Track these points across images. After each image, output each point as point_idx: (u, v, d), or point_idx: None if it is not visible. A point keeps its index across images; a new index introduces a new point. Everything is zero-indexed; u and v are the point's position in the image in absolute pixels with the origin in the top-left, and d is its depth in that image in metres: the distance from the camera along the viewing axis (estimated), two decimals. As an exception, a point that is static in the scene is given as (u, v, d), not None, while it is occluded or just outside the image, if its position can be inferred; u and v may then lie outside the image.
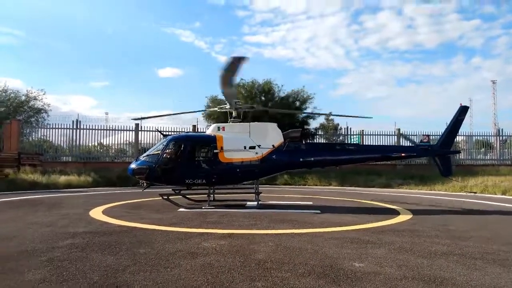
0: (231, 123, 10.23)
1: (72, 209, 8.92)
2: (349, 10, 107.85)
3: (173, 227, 6.55)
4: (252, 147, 9.57)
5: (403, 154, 10.64)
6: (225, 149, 9.48)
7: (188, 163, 9.53)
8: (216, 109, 11.78)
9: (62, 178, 15.82)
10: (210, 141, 9.66)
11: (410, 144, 10.34)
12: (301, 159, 9.95)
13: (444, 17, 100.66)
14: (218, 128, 10.00)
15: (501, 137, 24.47)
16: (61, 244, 5.13)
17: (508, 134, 25.07)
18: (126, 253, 4.64)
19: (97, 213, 8.09)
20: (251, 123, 10.10)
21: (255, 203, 9.56)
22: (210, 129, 10.27)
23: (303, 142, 11.32)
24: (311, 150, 10.52)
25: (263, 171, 9.81)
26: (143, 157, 10.03)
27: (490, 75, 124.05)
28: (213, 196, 10.20)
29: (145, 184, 9.99)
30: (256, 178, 9.95)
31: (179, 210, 8.87)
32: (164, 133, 11.08)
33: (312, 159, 10.09)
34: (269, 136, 9.82)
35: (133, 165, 9.92)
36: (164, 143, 9.76)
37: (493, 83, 58.62)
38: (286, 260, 4.40)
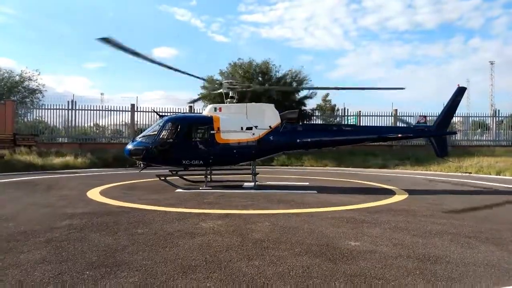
0: (228, 104, 10.18)
1: (70, 190, 8.93)
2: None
3: (170, 207, 6.59)
4: (249, 128, 9.55)
5: (399, 135, 10.67)
6: (222, 130, 9.46)
7: (185, 144, 9.52)
8: (219, 90, 11.56)
9: (58, 159, 15.79)
10: (207, 122, 9.63)
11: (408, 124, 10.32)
12: (298, 140, 9.95)
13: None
14: (215, 109, 9.95)
15: (497, 118, 24.51)
16: (60, 224, 5.16)
17: (505, 115, 25.15)
18: (124, 233, 4.68)
19: (94, 194, 8.12)
20: (248, 103, 10.04)
21: (252, 183, 9.61)
22: (207, 110, 10.22)
23: (300, 123, 11.28)
24: (308, 131, 10.51)
25: (259, 152, 9.82)
26: (140, 137, 10.00)
27: (488, 56, 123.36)
28: (210, 177, 10.23)
29: (141, 165, 9.97)
30: (253, 159, 9.97)
31: (176, 191, 8.91)
32: (161, 113, 10.98)
33: (309, 140, 10.09)
34: (266, 117, 9.78)
35: (129, 146, 9.90)
36: (161, 124, 9.71)
37: (491, 64, 58.32)
38: (283, 240, 4.45)
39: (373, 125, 22.35)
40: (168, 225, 5.16)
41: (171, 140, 9.53)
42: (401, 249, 4.11)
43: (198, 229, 4.95)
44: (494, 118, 24.43)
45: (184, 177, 10.26)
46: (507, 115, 25.33)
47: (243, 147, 9.57)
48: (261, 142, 9.60)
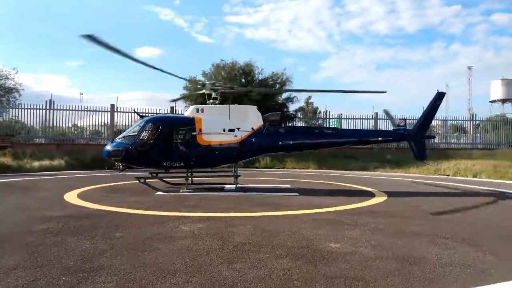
0: (210, 105, 10.12)
1: (46, 192, 8.71)
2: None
3: (150, 210, 6.50)
4: (231, 130, 9.51)
5: (380, 139, 10.84)
6: (204, 132, 9.39)
7: (166, 145, 9.38)
8: (201, 91, 11.47)
9: (35, 161, 15.38)
10: (189, 123, 9.52)
11: (393, 126, 10.42)
12: (280, 143, 9.97)
13: (426, 1, 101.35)
14: (197, 110, 9.86)
15: (474, 121, 25.20)
16: (36, 228, 5.01)
17: (481, 119, 25.88)
18: (102, 238, 4.58)
19: (72, 197, 7.93)
20: (230, 105, 10.01)
21: (234, 186, 9.58)
22: (189, 111, 10.14)
23: (283, 126, 11.31)
24: (290, 134, 10.53)
25: (242, 154, 9.79)
26: (119, 138, 9.81)
27: (467, 61, 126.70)
28: (191, 179, 10.14)
29: (121, 166, 9.74)
30: (235, 161, 9.93)
31: (156, 193, 8.80)
32: (141, 114, 10.81)
33: (291, 142, 10.13)
34: (249, 119, 9.76)
35: (108, 147, 9.69)
36: (141, 124, 9.54)
37: (469, 69, 59.92)
38: (264, 242, 4.44)
39: (355, 128, 22.67)
40: (147, 229, 5.08)
41: (151, 141, 9.37)
42: (381, 251, 4.16)
43: (178, 233, 4.89)
44: (471, 122, 25.10)
45: (165, 179, 10.14)
46: (483, 119, 26.11)
47: (225, 149, 9.51)
48: (243, 144, 9.56)
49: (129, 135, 9.65)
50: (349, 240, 4.62)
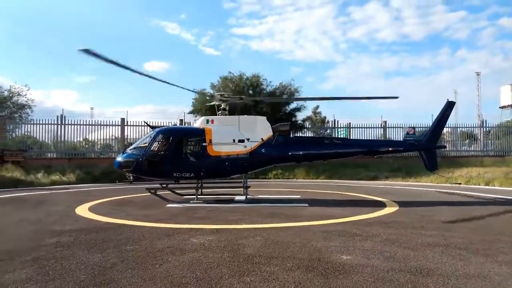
0: (220, 116, 10.16)
1: (58, 206, 8.79)
2: (337, 1, 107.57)
3: (160, 223, 6.51)
4: (241, 140, 9.50)
5: (390, 149, 10.68)
6: (214, 142, 9.39)
7: (176, 156, 9.40)
8: (211, 103, 11.46)
9: (47, 175, 15.56)
10: (199, 134, 9.55)
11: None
12: (290, 153, 9.92)
13: (431, 8, 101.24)
14: (207, 121, 9.87)
15: (484, 128, 24.89)
16: (47, 242, 5.05)
17: (492, 125, 25.56)
18: (113, 251, 4.59)
19: (83, 210, 7.99)
20: (240, 116, 10.04)
21: (244, 197, 9.56)
22: (199, 122, 10.17)
23: (292, 136, 11.31)
24: (300, 144, 10.49)
25: (251, 164, 9.77)
26: (130, 149, 9.84)
27: (475, 67, 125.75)
28: (201, 190, 10.15)
29: (131, 177, 9.78)
30: (245, 172, 9.92)
31: (166, 206, 8.82)
32: (152, 125, 10.90)
33: (301, 153, 10.08)
34: (258, 129, 9.75)
35: (119, 158, 9.75)
36: (152, 136, 9.57)
37: (477, 75, 59.45)
38: (274, 254, 4.41)
39: (364, 137, 22.57)
40: (158, 242, 5.09)
41: (162, 152, 9.40)
42: (393, 262, 4.10)
43: (188, 245, 4.88)
44: (482, 128, 24.80)
45: (175, 190, 10.17)
46: (494, 126, 25.77)
47: (235, 159, 9.50)
48: (253, 155, 9.54)
49: (140, 146, 9.68)
50: (361, 252, 4.56)
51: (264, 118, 10.21)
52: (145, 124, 11.02)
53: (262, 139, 9.65)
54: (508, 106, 51.15)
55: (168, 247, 4.76)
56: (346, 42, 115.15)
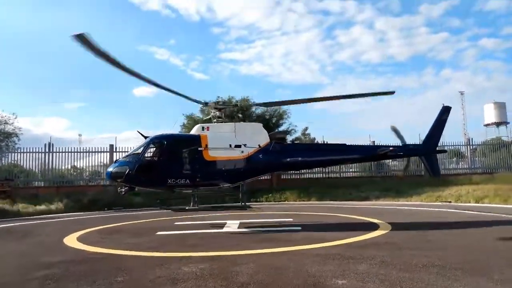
0: (215, 123, 9.94)
1: (46, 237, 8.58)
2: (322, 26, 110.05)
3: (151, 251, 6.38)
4: (238, 146, 9.25)
5: (391, 149, 10.31)
6: (210, 149, 9.11)
7: (171, 164, 9.09)
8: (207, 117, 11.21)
9: (34, 204, 15.23)
10: (194, 141, 9.27)
11: (401, 142, 10.08)
12: (287, 160, 9.73)
13: (414, 30, 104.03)
14: (202, 128, 9.65)
15: (471, 146, 25.31)
16: (35, 275, 4.89)
17: (477, 143, 26.04)
18: (103, 282, 4.46)
19: (71, 241, 7.79)
20: (236, 123, 9.93)
21: (236, 221, 9.43)
22: (194, 129, 9.92)
23: (289, 143, 11.25)
24: (297, 151, 10.34)
25: (248, 171, 9.50)
26: (123, 158, 9.52)
27: (459, 86, 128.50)
28: (197, 201, 9.72)
29: (123, 188, 9.27)
30: (241, 179, 9.68)
31: (157, 233, 8.66)
32: (145, 135, 10.57)
33: (299, 159, 9.90)
34: (255, 135, 9.55)
35: (110, 168, 9.28)
36: (146, 143, 9.24)
37: (461, 94, 60.76)
38: (269, 281, 4.34)
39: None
40: (148, 271, 4.97)
41: (156, 159, 9.16)
42: (389, 285, 4.05)
43: (180, 275, 4.77)
44: (468, 146, 25.20)
45: (169, 207, 10.03)
46: (480, 143, 26.26)
47: (231, 166, 9.24)
48: (250, 161, 9.31)
49: (133, 154, 9.38)
50: (356, 275, 4.51)
51: (260, 124, 10.07)
52: (138, 132, 10.53)
53: (259, 145, 9.41)
54: (492, 123, 52.37)
55: (159, 277, 4.65)
56: (333, 64, 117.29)
